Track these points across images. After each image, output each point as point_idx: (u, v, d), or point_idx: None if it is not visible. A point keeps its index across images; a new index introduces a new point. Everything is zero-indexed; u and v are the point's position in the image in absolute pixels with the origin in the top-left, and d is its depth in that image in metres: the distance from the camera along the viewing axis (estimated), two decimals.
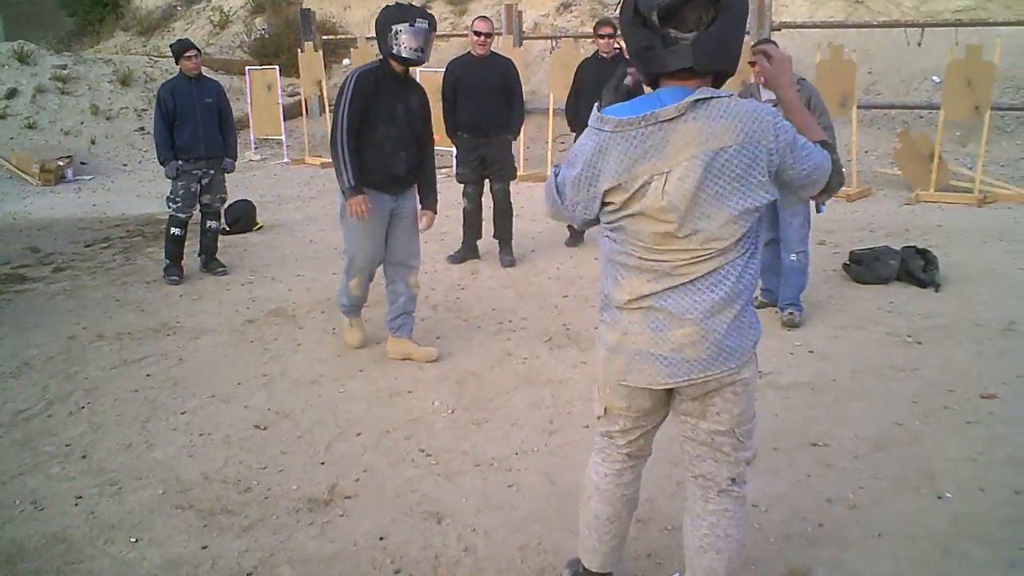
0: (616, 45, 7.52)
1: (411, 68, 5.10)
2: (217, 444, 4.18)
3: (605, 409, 2.64)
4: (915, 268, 6.41)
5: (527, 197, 10.65)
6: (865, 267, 6.51)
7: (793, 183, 2.34)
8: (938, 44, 12.02)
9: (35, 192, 12.18)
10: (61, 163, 13.09)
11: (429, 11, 4.99)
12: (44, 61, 15.89)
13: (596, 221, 2.51)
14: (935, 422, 4.22)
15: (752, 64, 5.12)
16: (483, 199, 7.51)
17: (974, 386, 4.61)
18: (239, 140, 15.24)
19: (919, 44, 11.69)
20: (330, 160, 5.08)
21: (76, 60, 16.66)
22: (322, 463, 3.96)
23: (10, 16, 33.61)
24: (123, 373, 5.15)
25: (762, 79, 5.23)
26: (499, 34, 13.92)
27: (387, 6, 4.94)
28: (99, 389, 4.91)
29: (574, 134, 7.82)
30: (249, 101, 14.83)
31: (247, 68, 15.15)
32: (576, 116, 7.64)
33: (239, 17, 21.50)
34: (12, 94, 14.79)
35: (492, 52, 7.38)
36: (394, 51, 4.81)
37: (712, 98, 2.22)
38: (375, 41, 5.13)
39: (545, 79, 13.78)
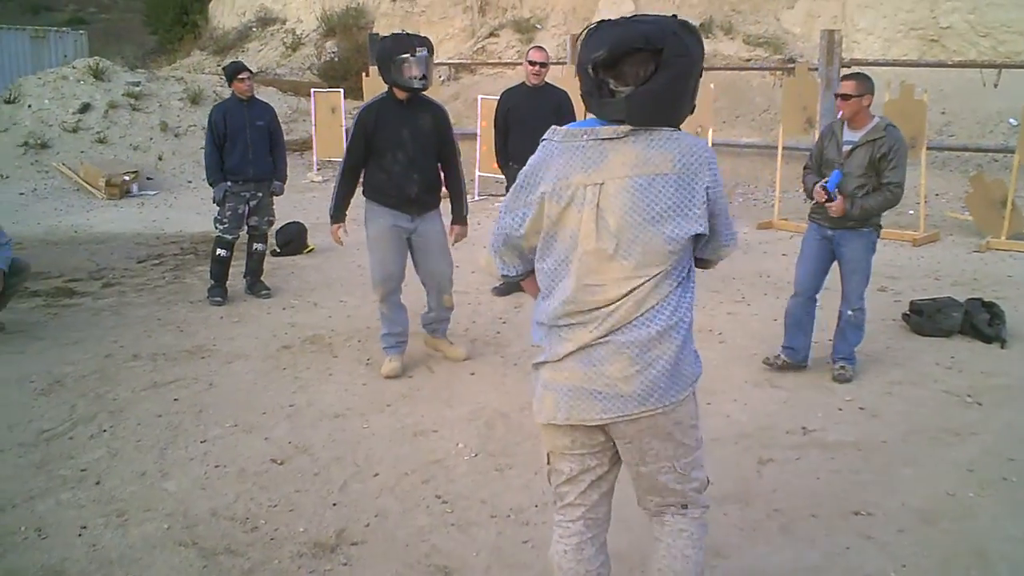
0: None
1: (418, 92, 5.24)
2: (231, 478, 4.07)
3: (548, 455, 2.56)
4: (980, 322, 6.06)
5: None
6: (926, 318, 6.18)
7: (714, 228, 2.38)
8: (1016, 85, 11.57)
9: (99, 206, 12.39)
10: (127, 178, 13.32)
11: (426, 37, 5.20)
12: (118, 77, 16.27)
13: (528, 270, 2.56)
14: (992, 494, 3.91)
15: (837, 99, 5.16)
16: None
17: None
18: (302, 161, 15.62)
19: (996, 85, 11.27)
20: None
21: (149, 77, 17.03)
22: (334, 504, 3.82)
23: (99, 32, 34.89)
24: (151, 396, 5.09)
25: (845, 117, 5.16)
26: (564, 63, 13.85)
27: (385, 37, 5.24)
28: (125, 412, 4.86)
29: None
30: (313, 123, 14.97)
31: (312, 90, 15.31)
32: None
33: (311, 40, 21.85)
34: (85, 108, 15.14)
35: (546, 82, 7.24)
36: (399, 80, 5.02)
37: (656, 129, 2.29)
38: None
39: None
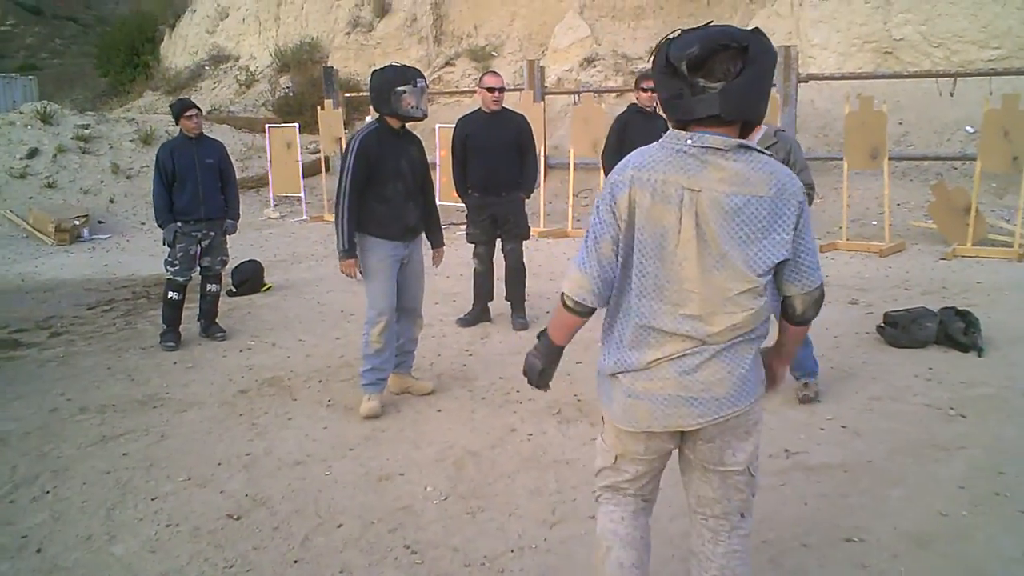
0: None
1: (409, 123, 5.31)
2: (184, 537, 3.80)
3: (616, 457, 2.63)
4: (955, 331, 5.95)
5: (546, 255, 10.33)
6: (901, 330, 6.06)
7: (797, 256, 2.39)
8: (971, 94, 11.65)
9: (49, 252, 12.04)
10: (77, 222, 12.99)
11: (419, 70, 5.21)
12: (67, 121, 15.96)
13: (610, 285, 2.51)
14: (985, 512, 3.74)
15: None
16: (495, 259, 7.16)
17: None
18: (259, 198, 15.35)
19: (951, 94, 11.31)
20: None
21: (99, 119, 16.73)
22: (295, 561, 3.55)
23: (51, 77, 34.44)
24: (99, 451, 4.80)
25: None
26: (521, 89, 13.75)
27: (383, 68, 5.16)
28: (70, 470, 4.56)
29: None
30: (269, 159, 14.73)
31: (267, 126, 15.08)
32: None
33: (265, 76, 21.63)
34: (33, 154, 14.81)
35: (504, 108, 7.07)
36: (399, 111, 5.04)
37: (755, 149, 2.35)
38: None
39: (567, 134, 13.52)
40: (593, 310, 2.54)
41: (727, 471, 2.52)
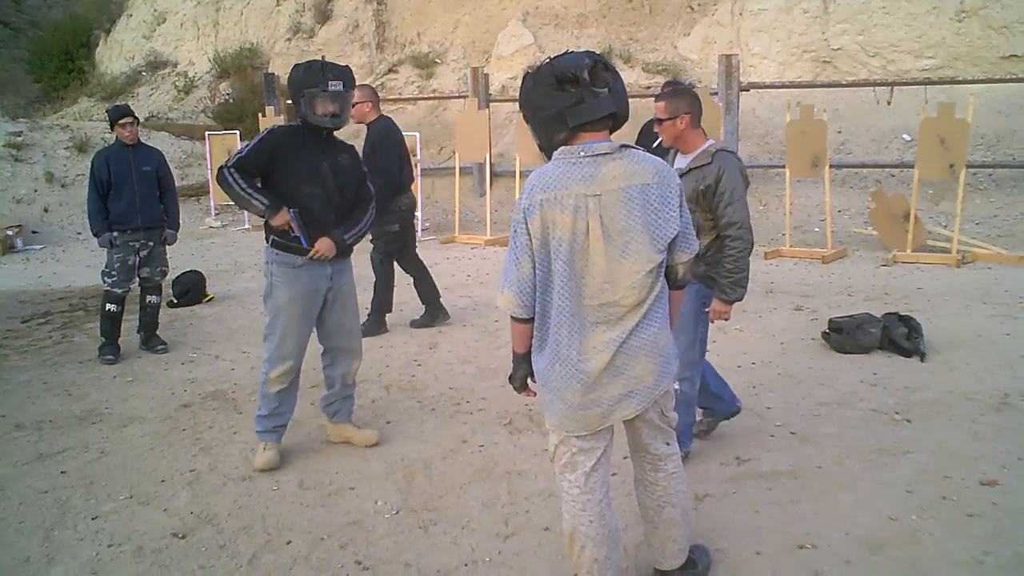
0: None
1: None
2: (127, 558, 3.67)
3: (561, 440, 2.95)
4: (898, 336, 6.05)
5: (493, 263, 10.30)
6: (846, 336, 6.14)
7: (684, 228, 2.87)
8: (907, 102, 11.91)
9: None
10: (10, 232, 12.63)
11: (346, 67, 4.47)
12: None
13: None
14: (933, 516, 3.79)
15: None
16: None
17: (972, 471, 4.20)
18: (199, 207, 15.06)
19: (888, 103, 11.56)
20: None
21: (32, 127, 16.25)
22: None
23: None
24: (36, 469, 4.63)
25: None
26: (465, 96, 13.70)
27: (297, 65, 4.45)
28: (6, 490, 4.38)
29: None
30: (210, 167, 14.46)
31: (207, 133, 14.81)
32: None
33: (204, 82, 21.22)
34: None
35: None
36: (309, 117, 4.35)
37: (632, 147, 2.81)
38: None
39: (513, 142, 13.50)
40: (531, 318, 2.88)
41: (650, 420, 2.97)
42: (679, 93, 4.10)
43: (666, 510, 3.09)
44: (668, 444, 3.07)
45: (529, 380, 3.04)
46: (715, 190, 3.98)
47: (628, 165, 2.73)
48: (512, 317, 2.90)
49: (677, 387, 4.02)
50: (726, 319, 4.20)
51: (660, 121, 4.09)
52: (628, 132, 3.86)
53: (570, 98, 2.68)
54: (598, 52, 2.76)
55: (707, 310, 4.19)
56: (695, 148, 4.11)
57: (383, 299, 7.10)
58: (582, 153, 2.72)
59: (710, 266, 4.11)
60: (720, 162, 3.99)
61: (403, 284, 7.34)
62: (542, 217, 2.72)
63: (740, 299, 4.13)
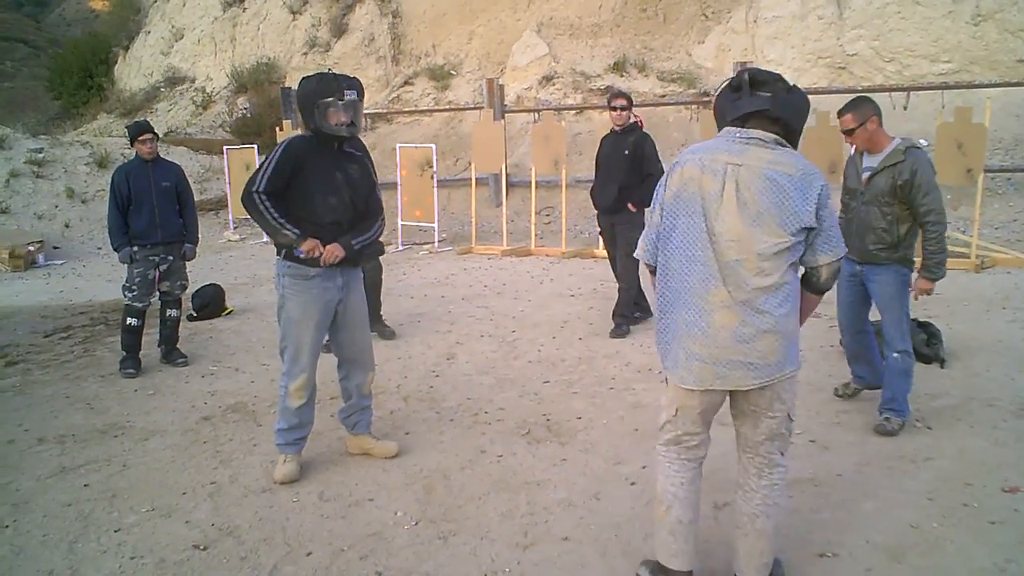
0: (635, 117, 7.30)
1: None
2: (150, 570, 3.70)
3: (677, 410, 3.15)
4: (918, 343, 5.99)
5: (510, 273, 10.31)
6: None
7: (825, 227, 2.99)
8: (923, 107, 11.85)
9: (2, 279, 11.79)
10: (32, 248, 12.76)
11: (355, 78, 4.51)
12: (20, 145, 15.67)
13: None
14: (955, 523, 3.77)
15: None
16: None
17: (994, 478, 4.18)
18: (218, 220, 15.17)
19: (905, 108, 11.49)
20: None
21: (53, 143, 16.45)
22: None
23: (2, 100, 33.79)
24: (59, 483, 4.67)
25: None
26: (481, 107, 13.76)
27: (308, 77, 4.48)
28: (30, 503, 4.43)
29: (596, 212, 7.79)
30: (228, 180, 14.58)
31: (225, 148, 14.93)
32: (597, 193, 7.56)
33: (222, 97, 21.43)
34: None
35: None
36: (323, 127, 4.35)
37: (787, 147, 3.04)
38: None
39: (528, 152, 13.54)
40: (652, 265, 3.20)
41: (773, 417, 3.07)
42: (864, 101, 4.73)
43: (760, 520, 3.16)
44: (782, 454, 3.18)
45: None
46: (911, 184, 4.58)
47: (776, 156, 2.97)
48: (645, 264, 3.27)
49: (896, 355, 4.78)
50: (929, 294, 4.92)
51: (850, 131, 4.70)
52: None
53: (733, 98, 3.09)
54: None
55: (909, 289, 4.85)
56: (884, 147, 4.73)
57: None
58: (738, 135, 3.04)
59: (908, 249, 4.78)
60: (912, 158, 4.61)
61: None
62: (682, 173, 3.05)
63: (944, 276, 4.81)
